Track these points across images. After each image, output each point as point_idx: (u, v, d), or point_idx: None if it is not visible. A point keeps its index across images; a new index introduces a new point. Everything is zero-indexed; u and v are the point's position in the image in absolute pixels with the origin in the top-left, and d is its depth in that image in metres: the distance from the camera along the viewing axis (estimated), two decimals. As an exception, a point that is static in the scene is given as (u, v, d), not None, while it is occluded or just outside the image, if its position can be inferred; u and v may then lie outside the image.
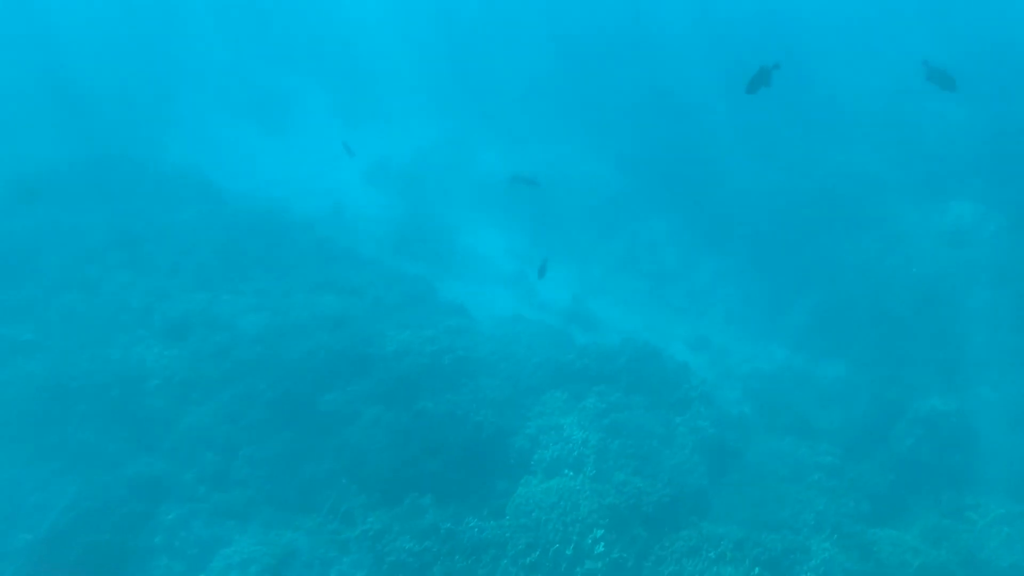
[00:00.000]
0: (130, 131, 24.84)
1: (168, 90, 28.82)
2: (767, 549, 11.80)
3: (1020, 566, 12.06)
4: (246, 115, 29.66)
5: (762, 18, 30.06)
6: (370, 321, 16.69)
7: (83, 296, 16.91)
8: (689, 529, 12.23)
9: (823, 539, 12.27)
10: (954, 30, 26.93)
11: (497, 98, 29.63)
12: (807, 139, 24.76)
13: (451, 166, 26.91)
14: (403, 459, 13.19)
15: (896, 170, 22.68)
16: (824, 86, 25.45)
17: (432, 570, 11.48)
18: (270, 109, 30.23)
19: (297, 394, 14.34)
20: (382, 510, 12.35)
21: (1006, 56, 25.26)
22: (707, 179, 24.26)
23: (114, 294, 17.08)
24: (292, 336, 15.72)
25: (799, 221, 22.31)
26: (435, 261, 21.93)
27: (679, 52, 28.20)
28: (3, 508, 12.06)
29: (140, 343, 15.46)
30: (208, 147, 25.95)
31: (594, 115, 27.83)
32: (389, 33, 33.17)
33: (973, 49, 24.22)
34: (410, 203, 25.17)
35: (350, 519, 12.28)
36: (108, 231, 19.25)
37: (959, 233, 20.18)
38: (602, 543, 11.64)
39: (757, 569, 11.52)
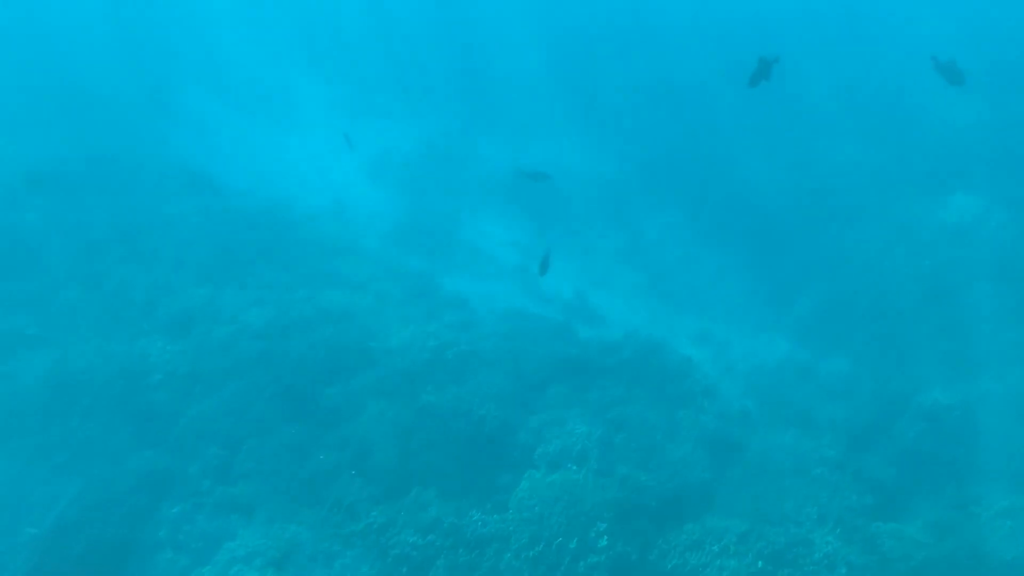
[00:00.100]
0: (132, 126, 24.76)
1: (171, 85, 28.76)
2: (770, 542, 11.79)
3: (1024, 559, 12.05)
4: (248, 110, 29.58)
5: (765, 11, 30.00)
6: (373, 315, 16.71)
7: (86, 290, 16.92)
8: (692, 523, 12.21)
9: (826, 532, 12.25)
10: (957, 23, 26.86)
11: (499, 91, 29.57)
12: (810, 133, 24.69)
13: (453, 160, 26.83)
14: (407, 453, 13.22)
15: (899, 164, 22.66)
16: (827, 80, 25.38)
17: (436, 564, 11.48)
18: (272, 103, 30.16)
19: (301, 388, 14.36)
20: (386, 504, 12.35)
21: (1010, 50, 25.20)
22: (710, 173, 24.25)
23: (117, 288, 17.08)
24: (296, 330, 15.73)
25: (802, 215, 22.29)
26: (438, 255, 21.88)
27: (683, 45, 28.17)
28: (8, 503, 12.08)
29: (143, 337, 15.46)
30: (211, 142, 25.88)
31: (597, 109, 27.80)
32: (391, 26, 33.14)
33: (976, 42, 24.12)
34: (412, 197, 25.09)
35: (354, 513, 12.28)
36: (111, 226, 19.21)
37: (962, 227, 20.10)
38: (605, 537, 11.63)
39: (760, 562, 11.51)
